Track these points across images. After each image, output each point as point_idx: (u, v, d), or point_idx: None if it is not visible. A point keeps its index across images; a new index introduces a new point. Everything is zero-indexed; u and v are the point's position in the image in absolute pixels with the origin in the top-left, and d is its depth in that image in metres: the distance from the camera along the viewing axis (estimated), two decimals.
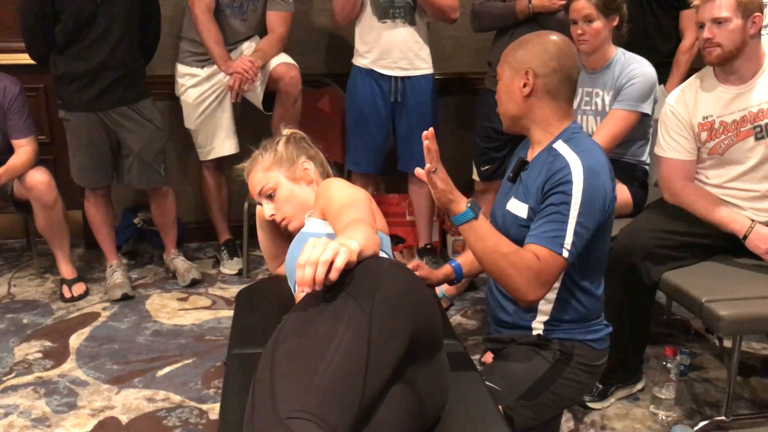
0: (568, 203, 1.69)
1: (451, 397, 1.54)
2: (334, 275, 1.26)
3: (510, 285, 1.70)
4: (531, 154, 1.87)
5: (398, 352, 1.30)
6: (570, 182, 1.70)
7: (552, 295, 1.83)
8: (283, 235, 2.12)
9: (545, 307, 1.85)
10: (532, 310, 1.86)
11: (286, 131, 2.09)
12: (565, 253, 1.69)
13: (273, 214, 1.98)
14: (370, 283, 1.32)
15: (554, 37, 1.83)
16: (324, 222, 1.81)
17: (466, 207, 1.70)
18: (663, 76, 3.06)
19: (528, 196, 1.79)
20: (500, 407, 1.70)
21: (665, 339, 2.95)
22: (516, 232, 1.80)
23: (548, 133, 1.82)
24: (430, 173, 1.67)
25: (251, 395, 1.22)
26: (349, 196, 1.75)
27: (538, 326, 1.87)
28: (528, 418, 1.78)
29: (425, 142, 1.65)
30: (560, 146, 1.77)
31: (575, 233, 1.69)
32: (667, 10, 3.25)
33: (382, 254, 1.69)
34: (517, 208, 1.81)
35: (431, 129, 1.67)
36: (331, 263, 1.26)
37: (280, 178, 1.98)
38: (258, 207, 2.11)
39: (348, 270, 1.32)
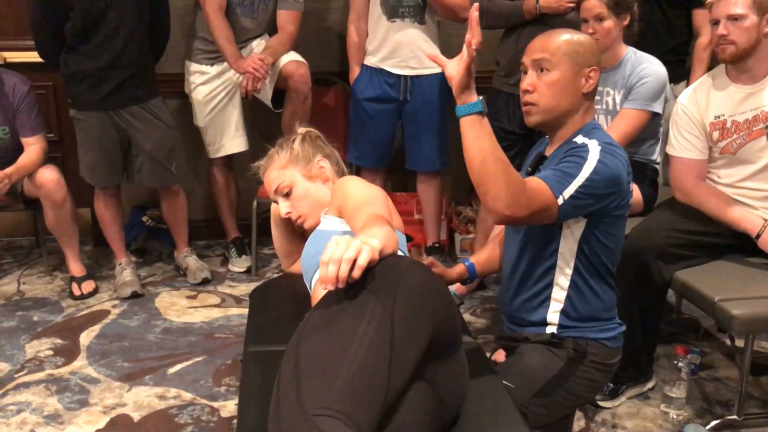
0: (582, 164, 1.69)
1: (469, 394, 1.54)
2: (357, 273, 1.27)
3: (491, 191, 1.63)
4: (550, 150, 1.88)
5: (420, 350, 1.31)
6: (587, 151, 1.71)
7: (566, 283, 1.83)
8: (298, 233, 2.13)
9: (559, 294, 1.85)
10: (545, 299, 1.86)
11: (301, 129, 2.10)
12: (560, 200, 1.67)
13: (289, 212, 1.99)
14: (391, 280, 1.32)
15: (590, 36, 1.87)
16: (340, 220, 1.82)
17: (477, 99, 1.65)
18: (671, 74, 3.06)
19: None
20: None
21: (675, 338, 2.95)
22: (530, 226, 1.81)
23: (571, 129, 1.83)
24: (470, 44, 1.62)
25: (276, 392, 1.22)
26: (366, 194, 1.76)
27: (553, 320, 1.86)
28: (541, 416, 1.79)
29: (473, 14, 1.62)
30: (580, 139, 1.78)
31: (578, 188, 1.68)
32: (677, 8, 3.25)
33: (399, 253, 1.69)
34: None
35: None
36: (354, 261, 1.26)
37: (296, 176, 1.99)
38: (273, 205, 2.11)
39: (369, 268, 1.32)
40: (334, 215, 1.85)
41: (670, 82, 3.04)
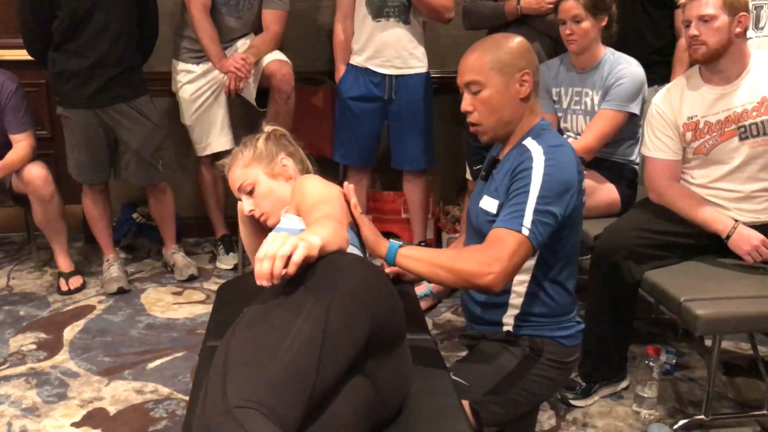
0: (527, 186, 1.70)
1: (416, 391, 1.56)
2: (291, 269, 1.29)
3: (467, 277, 1.67)
4: (502, 153, 1.89)
5: (356, 346, 1.33)
6: (530, 168, 1.71)
7: (522, 289, 1.84)
8: (264, 230, 2.15)
9: (516, 301, 1.86)
10: (502, 304, 1.87)
11: (267, 128, 2.12)
12: (525, 231, 1.67)
13: (252, 210, 2.01)
14: (330, 277, 1.34)
15: (518, 36, 1.85)
16: (299, 218, 1.84)
17: (390, 243, 1.75)
18: (655, 75, 3.05)
19: (498, 193, 1.80)
20: (467, 402, 1.72)
21: (653, 338, 2.95)
22: (487, 228, 1.81)
23: (520, 132, 1.84)
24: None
25: (204, 385, 1.25)
26: (322, 193, 1.78)
27: (508, 321, 1.88)
28: (496, 413, 1.79)
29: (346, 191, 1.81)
30: (529, 142, 1.79)
31: (536, 212, 1.68)
32: (661, 9, 3.24)
33: (353, 249, 1.72)
34: (488, 204, 1.82)
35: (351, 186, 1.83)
36: (289, 257, 1.29)
37: (259, 175, 2.01)
38: (239, 203, 2.14)
39: (310, 265, 1.35)
40: (293, 213, 1.87)
41: (656, 83, 3.05)
